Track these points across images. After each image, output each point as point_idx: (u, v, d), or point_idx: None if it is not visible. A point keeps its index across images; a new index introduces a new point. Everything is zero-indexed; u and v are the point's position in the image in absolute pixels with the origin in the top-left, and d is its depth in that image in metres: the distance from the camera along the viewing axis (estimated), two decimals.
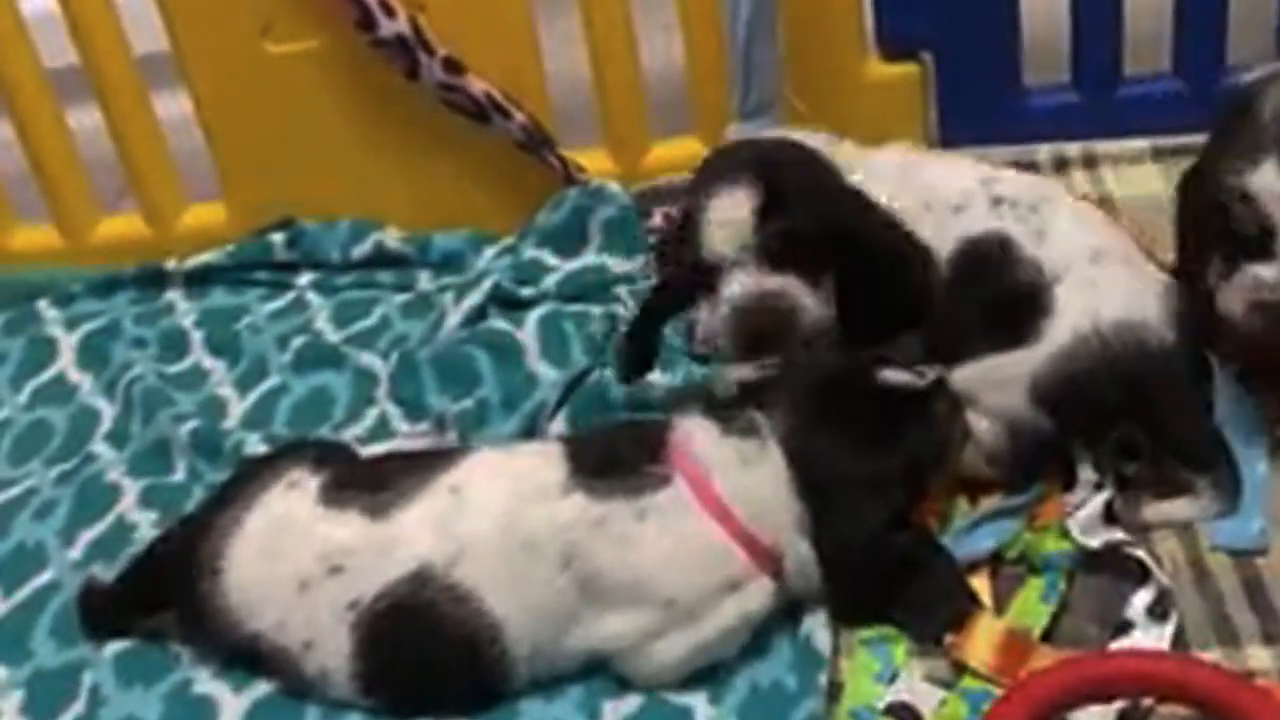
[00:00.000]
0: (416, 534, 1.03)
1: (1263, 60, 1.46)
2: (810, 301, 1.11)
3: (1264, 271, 1.03)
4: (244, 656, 1.06)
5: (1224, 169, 1.05)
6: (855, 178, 1.17)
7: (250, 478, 1.11)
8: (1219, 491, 1.09)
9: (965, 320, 1.13)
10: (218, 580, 1.05)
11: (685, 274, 1.16)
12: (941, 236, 1.16)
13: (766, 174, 1.11)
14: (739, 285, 1.10)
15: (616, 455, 1.05)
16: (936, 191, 1.18)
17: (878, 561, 1.04)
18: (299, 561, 1.04)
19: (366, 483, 1.08)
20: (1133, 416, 1.10)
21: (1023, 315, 1.11)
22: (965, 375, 1.12)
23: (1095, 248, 1.14)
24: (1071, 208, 1.19)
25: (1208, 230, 1.08)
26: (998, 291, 1.13)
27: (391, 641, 1.02)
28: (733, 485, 1.03)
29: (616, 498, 1.02)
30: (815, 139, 1.21)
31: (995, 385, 1.11)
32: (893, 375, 1.07)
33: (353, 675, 1.03)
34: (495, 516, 1.03)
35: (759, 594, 1.03)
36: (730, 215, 1.09)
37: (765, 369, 1.11)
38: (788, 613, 1.05)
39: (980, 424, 1.11)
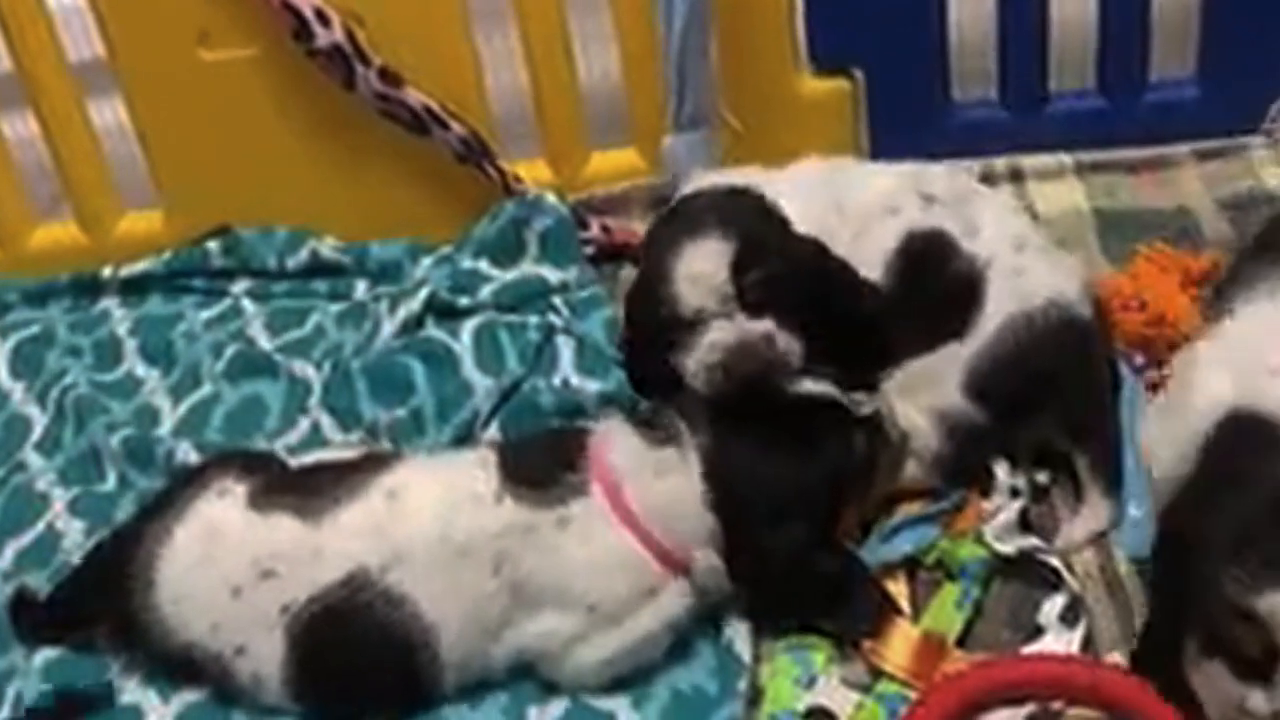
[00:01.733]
0: (350, 538, 1.04)
1: (1185, 76, 1.51)
2: (791, 344, 1.11)
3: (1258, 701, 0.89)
4: (176, 666, 1.06)
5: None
6: (791, 205, 1.18)
7: (179, 489, 1.11)
8: (1111, 501, 1.12)
9: (906, 320, 1.16)
10: (151, 592, 1.05)
11: (651, 332, 1.15)
12: (881, 240, 1.18)
13: (734, 225, 1.11)
14: (723, 334, 1.09)
15: (542, 463, 1.07)
16: (868, 199, 1.21)
17: (796, 578, 1.06)
18: (231, 567, 1.04)
19: (298, 488, 1.08)
20: (1049, 388, 1.13)
21: (960, 308, 1.14)
22: (902, 377, 1.14)
23: (1018, 236, 1.19)
24: (993, 200, 1.25)
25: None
26: (937, 287, 1.16)
27: (324, 646, 1.03)
28: (646, 495, 1.05)
29: (541, 507, 1.04)
30: (750, 176, 1.22)
31: (931, 382, 1.14)
32: (812, 385, 1.09)
33: (284, 680, 1.04)
34: (430, 522, 1.04)
35: (675, 599, 1.05)
36: (702, 268, 1.09)
37: None
38: (710, 619, 1.07)
39: (921, 426, 1.13)
